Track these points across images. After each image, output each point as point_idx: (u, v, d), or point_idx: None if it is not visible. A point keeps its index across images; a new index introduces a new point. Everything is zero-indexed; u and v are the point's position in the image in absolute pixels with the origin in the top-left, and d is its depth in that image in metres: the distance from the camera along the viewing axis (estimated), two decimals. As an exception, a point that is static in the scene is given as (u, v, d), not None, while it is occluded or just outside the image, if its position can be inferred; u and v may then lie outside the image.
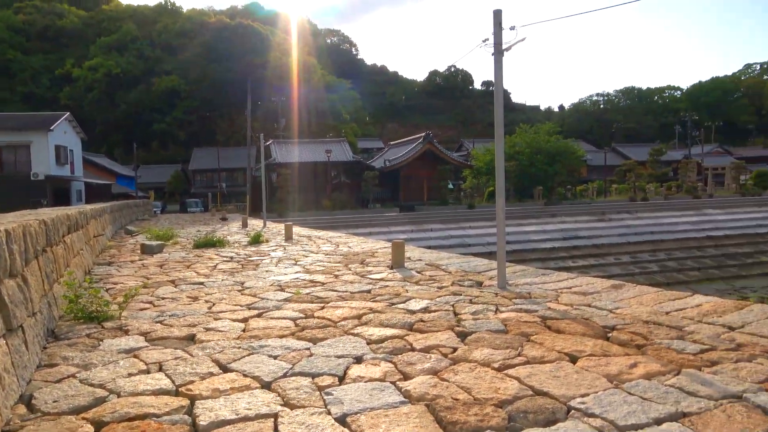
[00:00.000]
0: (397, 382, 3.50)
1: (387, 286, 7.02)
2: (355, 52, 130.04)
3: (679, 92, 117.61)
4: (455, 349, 4.19)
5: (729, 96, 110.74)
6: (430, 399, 3.20)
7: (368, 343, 4.39)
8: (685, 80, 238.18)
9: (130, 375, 3.71)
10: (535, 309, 5.43)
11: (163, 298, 6.57)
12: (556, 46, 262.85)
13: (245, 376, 3.67)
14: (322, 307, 5.79)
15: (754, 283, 23.65)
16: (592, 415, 2.92)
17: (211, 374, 3.70)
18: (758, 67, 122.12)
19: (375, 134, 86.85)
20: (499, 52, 6.70)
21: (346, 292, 6.66)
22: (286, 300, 6.26)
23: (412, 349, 4.23)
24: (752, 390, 3.19)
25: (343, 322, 5.10)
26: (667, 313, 5.21)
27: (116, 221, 19.65)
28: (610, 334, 4.52)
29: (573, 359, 3.89)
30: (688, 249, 27.54)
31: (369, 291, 6.68)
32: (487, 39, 6.81)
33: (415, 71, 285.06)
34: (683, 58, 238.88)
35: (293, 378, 3.60)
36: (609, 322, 4.87)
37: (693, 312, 5.19)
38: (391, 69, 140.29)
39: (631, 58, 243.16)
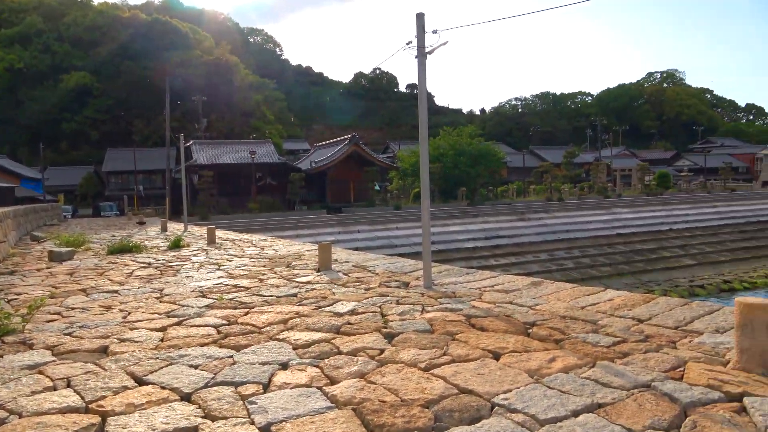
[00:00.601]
0: (324, 387, 3.44)
1: (314, 289, 6.93)
2: (279, 52, 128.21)
3: (589, 98, 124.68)
4: (382, 351, 4.18)
5: (634, 102, 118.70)
6: (357, 403, 3.17)
7: (294, 348, 4.30)
8: (595, 86, 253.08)
9: (33, 393, 3.42)
10: (459, 308, 5.54)
11: (72, 309, 6.14)
12: (477, 52, 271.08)
13: (163, 388, 3.48)
14: (247, 313, 5.62)
15: (658, 277, 25.44)
16: (515, 411, 3.00)
17: (126, 388, 3.48)
18: (659, 75, 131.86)
19: (301, 136, 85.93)
20: (422, 55, 6.80)
21: (271, 296, 6.52)
22: (208, 306, 6.03)
23: (339, 353, 4.18)
24: (660, 379, 3.40)
25: (268, 328, 4.97)
26: (582, 307, 5.47)
27: (21, 227, 18.23)
28: (531, 330, 4.68)
29: (496, 356, 3.99)
30: (600, 246, 29.21)
31: (295, 294, 6.57)
32: (411, 42, 6.89)
33: (341, 73, 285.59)
34: (593, 66, 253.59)
35: (215, 388, 3.46)
36: (529, 319, 5.04)
37: (606, 306, 5.48)
38: (316, 70, 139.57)
39: (547, 64, 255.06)
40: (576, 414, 2.94)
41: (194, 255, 11.66)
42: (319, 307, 5.79)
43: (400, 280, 7.37)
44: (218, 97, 58.35)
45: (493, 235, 28.63)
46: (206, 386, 3.49)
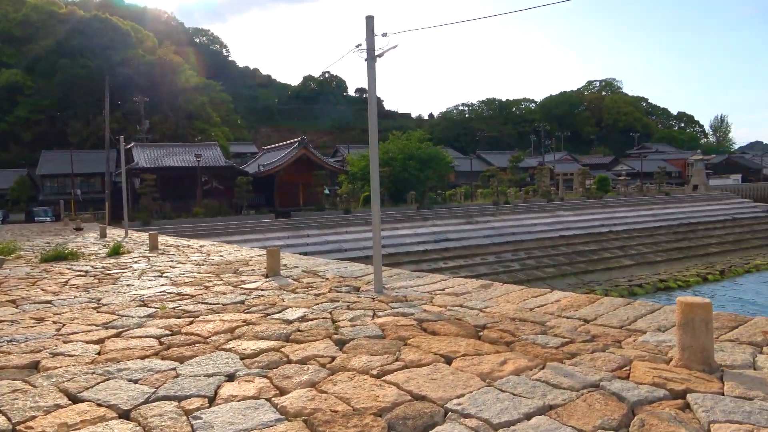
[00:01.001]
0: (273, 399, 3.32)
1: (262, 295, 6.75)
2: (226, 54, 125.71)
3: (533, 104, 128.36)
4: (333, 359, 4.09)
5: (575, 109, 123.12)
6: (308, 413, 3.07)
7: (242, 358, 4.15)
8: (538, 93, 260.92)
9: (-48, 416, 3.14)
10: (411, 312, 5.51)
11: (0, 321, 5.74)
12: (425, 57, 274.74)
13: (99, 405, 3.27)
14: (191, 322, 5.40)
15: (599, 277, 26.36)
16: (468, 416, 2.98)
17: (58, 406, 3.25)
18: (598, 83, 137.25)
19: (248, 138, 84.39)
20: (371, 58, 6.76)
21: (217, 304, 6.30)
22: (150, 316, 5.76)
23: (289, 362, 4.06)
24: (607, 378, 3.46)
25: (214, 337, 4.79)
26: (531, 309, 5.55)
27: (-58, 234, 17.01)
28: (482, 333, 4.70)
29: (448, 360, 3.97)
30: (545, 248, 30.01)
31: (243, 302, 6.37)
32: (360, 45, 6.84)
33: (290, 75, 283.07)
34: (537, 73, 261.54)
35: (156, 403, 3.27)
36: (480, 321, 5.06)
37: (553, 307, 5.58)
38: (264, 72, 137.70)
39: (493, 71, 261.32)
40: (529, 417, 2.95)
41: (135, 262, 11.18)
42: (268, 315, 5.63)
43: (350, 285, 7.28)
44: (161, 98, 56.52)
45: (442, 238, 28.93)
46: (147, 402, 3.31)
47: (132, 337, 4.88)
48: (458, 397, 3.24)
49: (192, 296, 6.87)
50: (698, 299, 3.62)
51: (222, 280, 8.21)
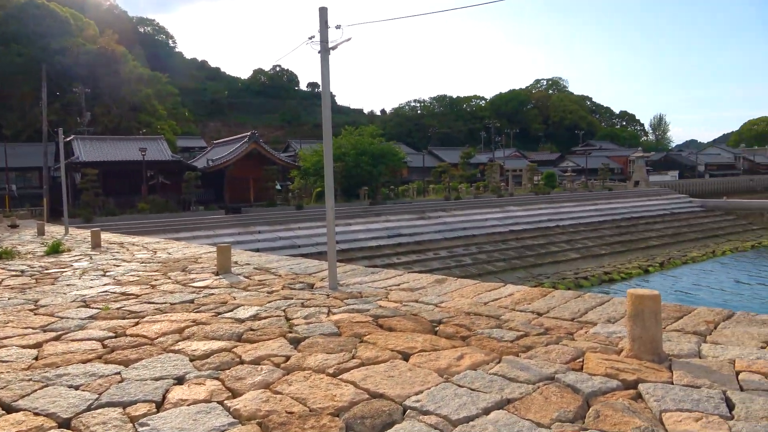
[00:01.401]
0: (226, 401, 3.19)
1: (212, 294, 6.54)
2: (172, 45, 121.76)
3: (483, 101, 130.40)
4: (288, 358, 3.99)
5: (523, 106, 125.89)
6: (263, 416, 2.96)
7: (191, 360, 3.99)
8: (488, 91, 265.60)
9: None
10: (366, 308, 5.45)
11: (-77, 327, 5.32)
12: (378, 53, 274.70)
13: (37, 414, 3.06)
14: (137, 323, 5.17)
15: (547, 270, 27.05)
16: (427, 413, 2.95)
17: (-11, 417, 3.02)
18: (545, 82, 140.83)
19: (196, 133, 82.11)
20: (325, 50, 6.64)
21: (165, 303, 6.06)
22: (92, 318, 5.47)
23: (242, 362, 3.93)
24: (562, 371, 3.50)
25: (161, 339, 4.59)
26: (485, 303, 5.59)
27: None
28: (438, 328, 4.69)
29: (406, 357, 3.93)
30: (495, 242, 30.54)
31: (192, 301, 6.15)
32: (314, 36, 6.71)
33: (240, 68, 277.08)
34: (487, 71, 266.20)
35: (100, 411, 3.09)
36: (436, 317, 5.06)
37: (507, 301, 5.64)
38: (212, 64, 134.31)
39: (444, 68, 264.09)
40: (487, 412, 2.94)
41: (76, 260, 10.66)
42: (219, 314, 5.46)
43: (304, 282, 7.16)
44: (103, 89, 54.16)
45: (395, 233, 28.99)
46: (89, 409, 3.12)
47: (73, 341, 4.62)
48: (416, 393, 3.21)
49: (137, 296, 6.58)
50: (648, 291, 3.71)
51: (170, 278, 7.91)
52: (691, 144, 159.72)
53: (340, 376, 3.56)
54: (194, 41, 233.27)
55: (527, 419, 2.83)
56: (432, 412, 2.94)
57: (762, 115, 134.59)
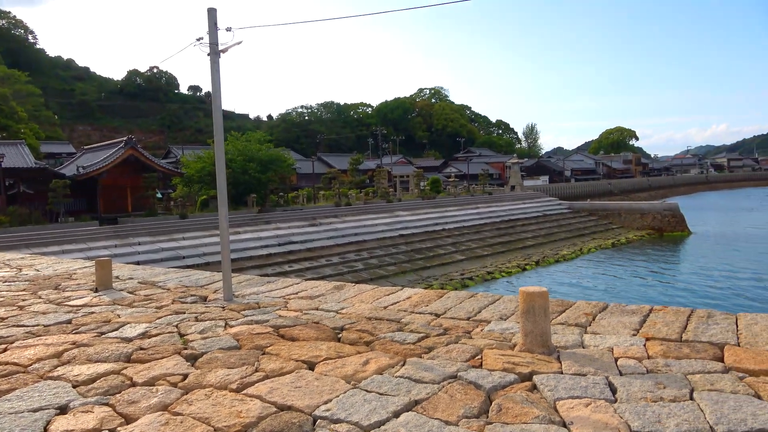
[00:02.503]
0: (119, 428, 2.96)
1: (92, 312, 6.02)
2: (33, 40, 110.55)
3: (370, 109, 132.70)
4: (186, 376, 3.78)
5: (408, 114, 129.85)
6: (164, 440, 2.78)
7: (75, 386, 3.64)
8: (375, 99, 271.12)
9: None
10: (266, 319, 5.31)
11: None
12: (264, 57, 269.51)
13: None
14: (5, 350, 4.62)
15: (435, 273, 28.06)
16: (338, 421, 2.93)
17: None
18: (428, 91, 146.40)
19: (63, 137, 75.12)
20: (215, 53, 6.41)
21: (37, 326, 5.47)
22: (-53, 346, 4.80)
23: (134, 384, 3.66)
24: (463, 369, 3.65)
25: (36, 365, 4.14)
26: (385, 307, 5.67)
27: None
28: (341, 335, 4.68)
29: (311, 366, 3.89)
30: (386, 247, 31.15)
31: (69, 321, 5.62)
32: (202, 38, 6.45)
33: (112, 69, 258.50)
34: (373, 79, 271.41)
35: (-33, 452, 2.73)
36: (338, 323, 5.05)
37: (406, 304, 5.77)
38: (81, 63, 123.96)
39: (330, 74, 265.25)
40: (397, 415, 2.99)
41: None
42: (102, 334, 5.04)
43: (196, 295, 6.82)
44: (-52, 88, 47.98)
45: (286, 241, 28.55)
46: (-47, 451, 2.74)
47: (-76, 375, 4.03)
48: (325, 402, 3.18)
49: (3, 319, 5.88)
50: (537, 288, 3.98)
51: (40, 297, 7.16)
52: (559, 151, 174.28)
53: (244, 391, 3.43)
54: (59, 38, 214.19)
55: (436, 418, 2.92)
56: (343, 420, 2.93)
57: (616, 125, 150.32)
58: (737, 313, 4.55)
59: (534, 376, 3.43)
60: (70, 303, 6.64)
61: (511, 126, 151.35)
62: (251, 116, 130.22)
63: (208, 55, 6.32)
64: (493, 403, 3.10)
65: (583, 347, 4.02)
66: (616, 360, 3.67)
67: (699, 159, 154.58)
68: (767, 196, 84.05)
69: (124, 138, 34.72)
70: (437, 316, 5.21)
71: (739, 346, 3.82)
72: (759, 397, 2.95)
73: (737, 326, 4.23)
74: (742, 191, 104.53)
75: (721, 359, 3.59)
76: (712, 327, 4.25)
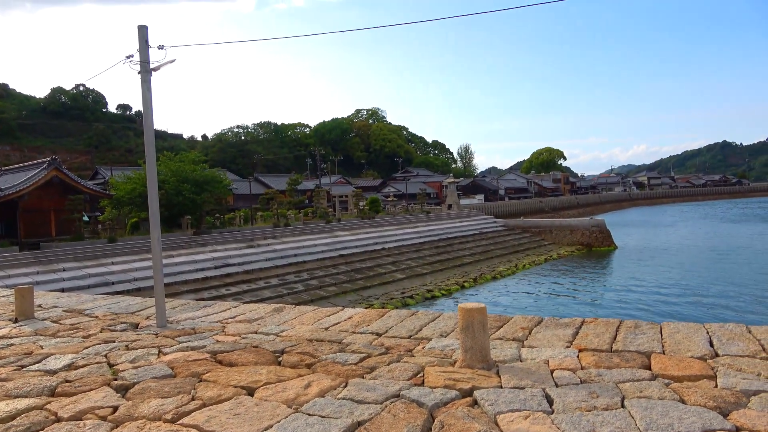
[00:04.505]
0: (42, 468, 2.76)
1: (12, 344, 5.62)
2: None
3: (308, 129, 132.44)
4: (116, 408, 3.58)
5: (346, 135, 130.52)
6: (93, 478, 2.61)
7: (-9, 425, 3.37)
8: (312, 119, 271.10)
9: None
10: (202, 345, 5.14)
11: None
12: (198, 77, 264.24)
13: None
14: None
15: (376, 292, 28.08)
16: (280, 447, 2.86)
17: None
18: (365, 112, 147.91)
19: (-22, 158, 70.54)
20: (146, 71, 6.24)
21: (-53, 361, 5.04)
22: None
23: (59, 420, 3.43)
24: (406, 387, 3.66)
25: (-54, 404, 3.81)
26: (326, 328, 5.62)
27: None
28: (281, 358, 4.59)
29: (251, 392, 3.78)
30: (326, 267, 30.90)
31: (-15, 355, 5.21)
32: (132, 56, 6.27)
33: (34, 86, 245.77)
34: (310, 100, 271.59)
35: None
36: (278, 347, 4.95)
37: (347, 324, 5.73)
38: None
39: (267, 95, 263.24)
40: (340, 437, 2.95)
41: None
42: (23, 366, 4.71)
43: (127, 322, 6.51)
44: None
45: (223, 263, 27.79)
46: None
47: None
48: (266, 429, 3.10)
49: None
50: (476, 305, 4.07)
51: (-50, 330, 6.61)
52: (493, 171, 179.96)
53: (180, 421, 3.29)
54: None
55: (379, 439, 2.90)
56: (285, 446, 2.86)
57: (546, 145, 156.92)
58: (662, 323, 4.82)
59: (475, 392, 3.49)
60: (-14, 335, 6.17)
61: (446, 146, 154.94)
62: (185, 136, 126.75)
63: (139, 73, 6.14)
64: (435, 420, 3.12)
65: (521, 361, 4.12)
66: (552, 372, 3.78)
67: (622, 177, 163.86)
68: (682, 212, 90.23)
69: (47, 158, 32.98)
70: (379, 335, 5.21)
71: (664, 354, 4.03)
72: (684, 402, 3.12)
73: (662, 335, 4.47)
74: (661, 207, 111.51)
75: (649, 367, 3.78)
76: (639, 337, 4.47)
